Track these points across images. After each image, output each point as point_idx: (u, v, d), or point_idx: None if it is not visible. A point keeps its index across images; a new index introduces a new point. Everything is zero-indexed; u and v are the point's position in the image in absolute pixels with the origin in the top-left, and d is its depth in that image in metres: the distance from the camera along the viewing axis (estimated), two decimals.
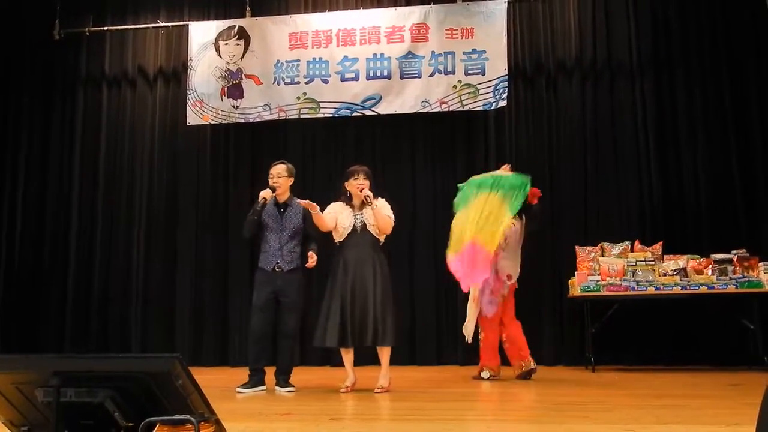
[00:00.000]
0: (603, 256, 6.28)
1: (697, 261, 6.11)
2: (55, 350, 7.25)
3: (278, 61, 7.44)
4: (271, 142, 7.59)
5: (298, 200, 4.93)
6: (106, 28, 7.93)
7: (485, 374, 5.56)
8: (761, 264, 5.92)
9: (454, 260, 5.32)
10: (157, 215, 7.64)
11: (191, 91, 7.52)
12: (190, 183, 7.65)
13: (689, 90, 6.98)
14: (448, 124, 7.31)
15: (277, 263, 5.01)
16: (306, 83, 7.34)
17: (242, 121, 7.46)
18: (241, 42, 7.53)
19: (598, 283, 6.02)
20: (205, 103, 7.49)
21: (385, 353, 4.79)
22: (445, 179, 7.26)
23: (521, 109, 7.28)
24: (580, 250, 6.39)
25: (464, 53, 7.12)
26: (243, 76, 7.48)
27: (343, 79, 7.29)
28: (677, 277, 5.96)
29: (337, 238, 4.92)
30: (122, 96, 7.93)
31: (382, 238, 4.94)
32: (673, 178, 6.89)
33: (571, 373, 6.01)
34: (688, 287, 5.91)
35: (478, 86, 7.03)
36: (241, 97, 7.46)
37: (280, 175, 5.12)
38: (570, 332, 6.75)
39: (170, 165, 7.73)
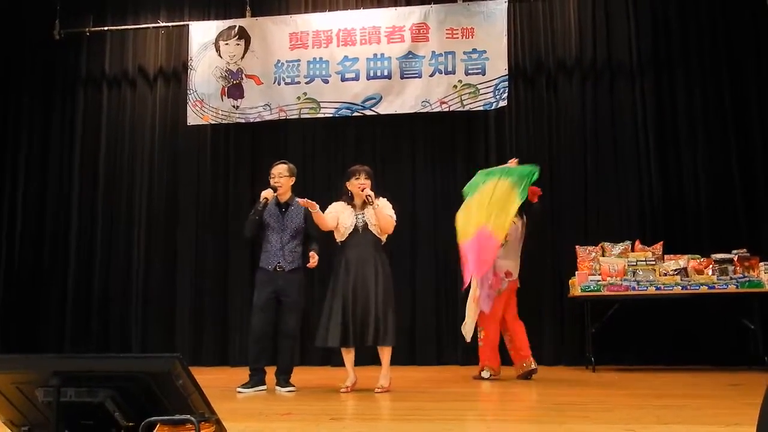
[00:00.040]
0: (603, 255, 6.28)
1: (698, 261, 6.11)
2: (56, 350, 7.25)
3: (278, 61, 7.44)
4: (271, 142, 7.59)
5: (298, 199, 4.93)
6: (106, 28, 7.94)
7: (485, 374, 5.56)
8: (762, 264, 5.92)
9: (466, 247, 5.28)
10: (158, 215, 7.64)
11: (191, 91, 7.52)
12: (190, 183, 7.65)
13: (689, 90, 6.98)
14: (448, 124, 7.31)
15: (279, 263, 5.01)
16: (306, 83, 7.34)
17: (242, 121, 7.46)
18: (242, 42, 7.53)
19: (599, 282, 6.02)
20: (205, 103, 7.49)
21: (385, 353, 4.79)
22: (445, 179, 7.27)
23: (521, 109, 7.28)
24: (580, 250, 6.38)
25: (464, 53, 7.12)
26: (243, 76, 7.49)
27: (343, 79, 7.29)
28: (678, 277, 5.96)
29: (339, 237, 4.92)
30: (122, 96, 7.93)
31: (383, 238, 4.94)
32: (674, 178, 6.89)
33: (571, 373, 6.01)
34: (688, 287, 5.91)
35: (479, 86, 7.03)
36: (242, 97, 7.46)
37: (281, 174, 5.12)
38: (570, 332, 6.75)
39: (170, 165, 7.73)
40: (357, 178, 4.91)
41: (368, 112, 7.22)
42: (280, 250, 5.02)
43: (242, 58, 7.51)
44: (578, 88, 7.17)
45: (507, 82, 6.98)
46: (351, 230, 4.86)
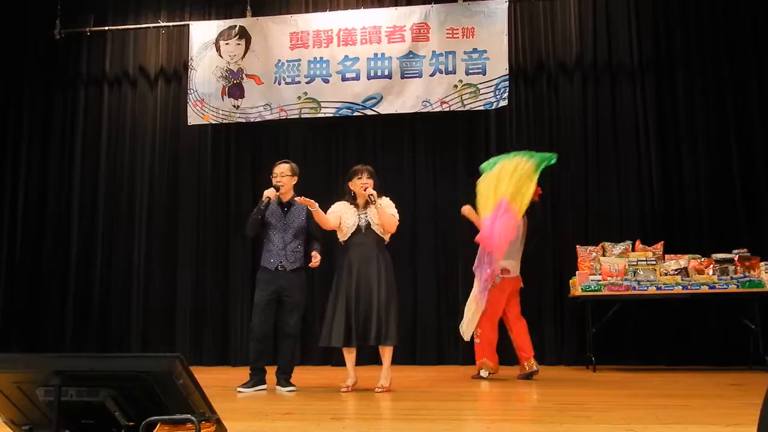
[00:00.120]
0: (604, 255, 6.28)
1: (699, 261, 6.11)
2: (56, 349, 7.24)
3: (279, 60, 7.44)
4: (272, 142, 7.60)
5: (297, 198, 4.93)
6: (107, 28, 7.94)
7: (484, 373, 5.57)
8: (762, 264, 5.92)
9: (486, 221, 5.30)
10: (158, 215, 7.64)
11: (192, 91, 7.52)
12: (191, 183, 7.65)
13: (690, 90, 6.98)
14: (449, 123, 7.31)
15: (281, 262, 5.01)
16: (307, 83, 7.34)
17: (243, 120, 7.46)
18: (242, 42, 7.53)
19: (599, 282, 6.02)
20: (205, 103, 7.49)
21: (387, 353, 4.79)
22: (446, 179, 7.27)
23: (522, 109, 7.28)
24: (581, 250, 6.38)
25: (465, 53, 7.12)
26: (244, 75, 7.49)
27: (343, 79, 7.28)
28: (678, 277, 5.96)
29: (342, 237, 4.92)
30: (123, 96, 7.94)
31: (387, 237, 4.94)
32: (674, 178, 6.89)
33: (572, 373, 6.01)
34: (689, 287, 5.91)
35: (479, 86, 7.03)
36: (242, 96, 7.46)
37: (283, 174, 5.12)
38: (571, 332, 6.75)
39: (171, 165, 7.73)
40: (359, 178, 4.91)
41: (369, 112, 7.22)
42: (282, 250, 5.02)
43: (243, 57, 7.51)
44: (579, 88, 7.17)
45: (507, 82, 6.98)
46: (353, 230, 4.86)
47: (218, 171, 7.66)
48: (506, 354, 6.21)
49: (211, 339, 7.33)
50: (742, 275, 5.88)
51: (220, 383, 5.26)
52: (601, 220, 6.90)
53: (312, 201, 4.80)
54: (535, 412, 4.00)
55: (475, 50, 7.10)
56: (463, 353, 6.67)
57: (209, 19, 7.80)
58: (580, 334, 6.55)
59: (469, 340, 5.72)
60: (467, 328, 5.63)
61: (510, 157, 5.51)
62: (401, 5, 7.46)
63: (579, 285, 6.09)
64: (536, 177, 5.38)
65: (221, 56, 7.54)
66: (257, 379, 4.92)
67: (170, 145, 7.76)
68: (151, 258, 7.57)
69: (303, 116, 7.36)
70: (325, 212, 4.91)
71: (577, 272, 6.24)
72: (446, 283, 7.10)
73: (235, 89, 7.48)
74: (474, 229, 5.74)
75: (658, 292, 5.94)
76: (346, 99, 7.24)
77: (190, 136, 7.71)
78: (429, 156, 7.38)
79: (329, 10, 7.59)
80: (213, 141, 7.72)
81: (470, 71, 7.07)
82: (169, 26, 7.87)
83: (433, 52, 7.17)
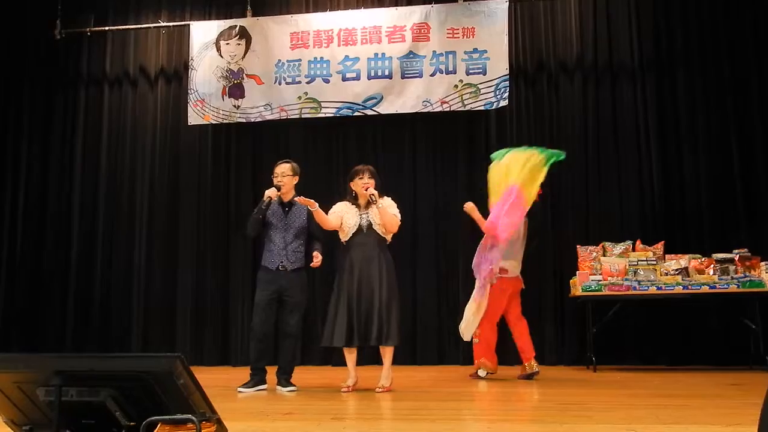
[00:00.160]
0: (604, 255, 6.27)
1: (699, 260, 6.11)
2: (57, 349, 7.25)
3: (279, 60, 7.44)
4: (272, 142, 7.60)
5: (297, 198, 4.93)
6: (107, 28, 7.94)
7: (482, 372, 5.58)
8: (763, 263, 5.92)
9: (496, 207, 5.39)
10: (159, 215, 7.65)
11: (192, 91, 7.53)
12: (191, 183, 7.65)
13: (690, 90, 6.97)
14: (449, 123, 7.31)
15: (281, 262, 5.01)
16: (307, 83, 7.34)
17: (243, 120, 7.46)
18: (242, 42, 7.53)
19: (600, 282, 6.02)
20: (206, 103, 7.49)
21: (387, 353, 4.80)
22: (446, 179, 7.28)
23: (522, 109, 7.28)
24: (581, 250, 6.38)
25: (465, 53, 7.12)
26: (244, 75, 7.49)
27: (344, 79, 7.28)
28: (679, 277, 5.96)
29: (343, 237, 4.92)
30: (123, 96, 7.94)
31: (388, 238, 4.94)
32: (675, 178, 6.88)
33: (572, 373, 6.01)
34: (689, 287, 5.91)
35: (480, 86, 7.03)
36: (243, 96, 7.46)
37: (284, 174, 5.12)
38: (571, 332, 6.75)
39: (171, 165, 7.73)
40: (361, 178, 4.91)
41: (369, 112, 7.22)
42: (283, 250, 5.02)
43: (243, 57, 7.51)
44: (579, 88, 7.16)
45: (508, 82, 6.98)
46: (355, 230, 4.86)
47: (219, 171, 7.66)
48: (506, 354, 6.21)
49: (212, 339, 7.33)
50: (742, 275, 5.88)
51: (220, 383, 5.27)
52: (601, 220, 6.90)
53: (312, 201, 4.80)
54: (535, 412, 4.00)
55: (475, 50, 7.10)
56: (463, 353, 6.67)
57: (209, 19, 7.80)
58: (580, 334, 6.55)
59: (468, 340, 5.72)
60: (467, 328, 5.63)
61: (520, 150, 5.60)
62: (401, 5, 7.46)
63: (579, 285, 6.09)
64: (545, 170, 5.45)
65: (222, 56, 7.55)
66: (258, 379, 4.92)
67: (171, 145, 7.76)
68: (151, 258, 7.58)
69: (303, 116, 7.36)
70: (326, 212, 4.91)
71: (577, 272, 6.24)
72: (447, 283, 7.10)
73: (235, 89, 7.48)
74: (475, 228, 5.75)
75: (659, 292, 5.94)
76: (347, 99, 7.24)
77: (191, 136, 7.71)
78: (429, 156, 7.38)
79: (329, 10, 7.59)
80: (213, 141, 7.72)
81: (471, 71, 7.07)
82: (169, 26, 7.87)
83: (434, 52, 7.17)
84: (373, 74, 7.24)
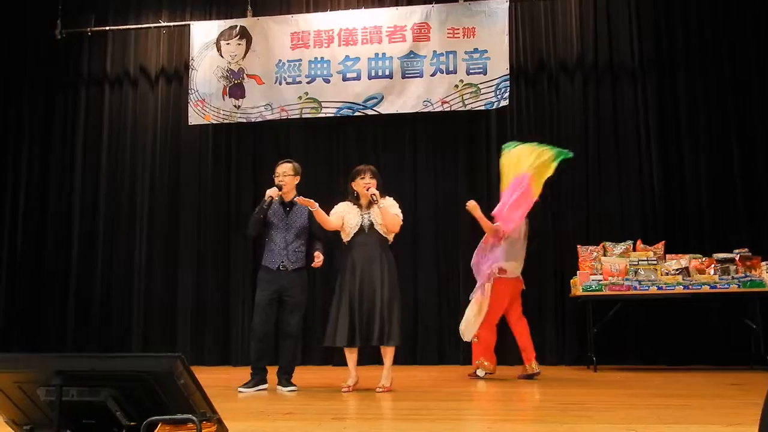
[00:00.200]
0: (605, 255, 6.27)
1: (700, 260, 6.10)
2: (58, 349, 7.25)
3: (280, 60, 7.44)
4: (272, 142, 7.60)
5: (297, 198, 4.93)
6: (107, 28, 7.94)
7: (480, 372, 5.58)
8: (764, 263, 5.92)
9: (504, 194, 5.52)
10: (159, 215, 7.65)
11: (193, 91, 7.53)
12: (192, 183, 7.66)
13: (691, 90, 6.97)
14: (449, 123, 7.31)
15: (282, 262, 5.01)
16: (308, 83, 7.34)
17: (244, 120, 7.47)
18: (243, 42, 7.53)
19: (600, 282, 6.02)
20: (206, 103, 7.49)
21: (388, 353, 4.80)
22: (447, 179, 7.28)
23: (523, 109, 7.28)
24: (582, 250, 6.38)
25: (466, 53, 7.12)
26: (245, 75, 7.49)
27: (344, 79, 7.29)
28: (679, 277, 5.96)
29: (345, 237, 4.92)
30: (124, 96, 7.94)
31: (390, 237, 4.94)
32: (675, 178, 6.88)
33: (573, 373, 6.01)
34: (690, 287, 5.91)
35: (480, 86, 7.03)
36: (243, 96, 7.46)
37: (286, 173, 5.12)
38: (572, 332, 6.75)
39: (172, 165, 7.73)
40: (362, 178, 4.91)
41: (370, 112, 7.22)
42: (284, 250, 5.02)
43: (243, 57, 7.51)
44: (580, 88, 7.16)
45: (508, 82, 6.98)
46: (356, 230, 4.86)
47: (219, 171, 7.67)
48: (506, 354, 6.22)
49: (212, 339, 7.34)
50: (743, 275, 5.88)
51: (221, 383, 5.27)
52: (602, 219, 6.90)
53: (312, 201, 4.80)
54: (536, 412, 4.00)
55: (476, 50, 7.10)
56: (464, 353, 6.66)
57: (210, 19, 7.80)
58: (581, 334, 6.55)
59: (469, 340, 5.72)
60: (467, 329, 5.64)
61: (531, 144, 5.69)
62: (402, 5, 7.46)
63: (580, 285, 6.09)
64: (553, 167, 5.52)
65: (222, 56, 7.55)
66: (258, 378, 4.92)
67: (171, 145, 7.76)
68: (152, 258, 7.58)
69: (304, 116, 7.36)
70: (327, 212, 4.92)
71: (578, 272, 6.24)
72: (447, 283, 7.10)
73: (236, 89, 7.48)
74: (476, 228, 5.75)
75: (659, 291, 5.94)
76: (347, 99, 7.24)
77: (191, 136, 7.71)
78: (430, 156, 7.38)
79: (330, 10, 7.59)
80: (214, 141, 7.73)
81: (471, 71, 7.07)
82: (170, 26, 7.87)
83: (434, 51, 7.17)
84: (373, 74, 7.24)
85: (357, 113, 7.25)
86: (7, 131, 7.95)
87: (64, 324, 7.52)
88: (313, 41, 7.41)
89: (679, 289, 5.92)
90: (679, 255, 6.21)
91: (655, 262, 6.07)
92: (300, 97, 7.33)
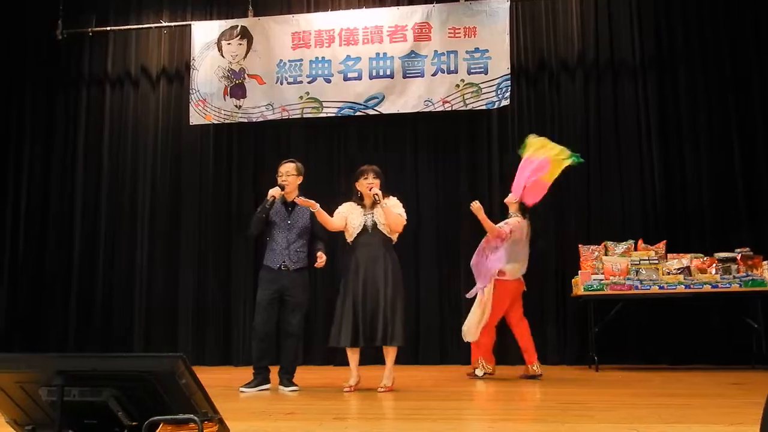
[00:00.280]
0: (606, 255, 6.27)
1: (701, 260, 6.10)
2: (59, 350, 7.26)
3: (281, 60, 7.44)
4: (274, 142, 7.60)
5: (297, 199, 4.92)
6: (109, 28, 7.94)
7: (479, 372, 5.59)
8: (765, 263, 5.92)
9: (523, 163, 5.61)
10: (161, 215, 7.65)
11: (194, 91, 7.53)
12: (193, 183, 7.66)
13: (692, 89, 6.97)
14: (451, 123, 7.31)
15: (284, 262, 5.01)
16: (309, 83, 7.34)
17: (245, 120, 7.47)
18: (244, 42, 7.54)
19: (602, 282, 6.01)
20: (208, 103, 7.49)
21: (391, 353, 4.80)
22: (448, 179, 7.28)
23: (524, 108, 7.28)
24: (583, 249, 6.37)
25: (467, 52, 7.11)
26: (246, 75, 7.49)
27: (345, 79, 7.29)
28: (681, 276, 5.96)
29: (348, 237, 4.93)
30: (125, 96, 7.94)
31: (394, 237, 4.94)
32: (677, 177, 6.88)
33: (574, 373, 6.00)
34: (691, 286, 5.91)
35: (481, 85, 7.02)
36: (244, 96, 7.46)
37: (289, 173, 5.12)
38: (573, 331, 6.74)
39: (173, 165, 7.74)
40: (365, 178, 4.92)
41: (371, 112, 7.22)
42: (286, 249, 5.02)
43: (244, 57, 7.51)
44: (581, 87, 7.16)
45: (509, 81, 6.98)
46: (360, 230, 4.86)
47: (220, 171, 7.67)
48: (506, 354, 6.23)
49: (214, 339, 7.34)
50: (744, 274, 5.87)
51: (222, 383, 5.27)
52: (603, 219, 6.90)
53: (313, 202, 4.81)
54: (537, 411, 4.00)
55: (477, 49, 7.10)
56: (465, 353, 6.65)
57: (211, 19, 7.81)
58: (582, 334, 6.55)
59: (471, 341, 5.71)
60: (469, 331, 5.64)
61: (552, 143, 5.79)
62: (403, 5, 7.46)
63: (581, 284, 6.08)
64: (566, 164, 5.57)
65: (223, 56, 7.55)
66: (261, 378, 4.92)
67: (172, 145, 7.77)
68: (153, 258, 7.58)
69: (305, 116, 7.36)
70: (329, 213, 4.92)
71: (579, 272, 6.23)
72: (448, 283, 7.10)
73: (237, 89, 7.48)
74: (477, 228, 5.74)
75: (661, 291, 5.93)
76: (348, 99, 7.25)
77: (192, 136, 7.72)
78: (431, 156, 7.38)
79: (331, 10, 7.59)
80: (215, 141, 7.73)
81: (472, 70, 7.07)
82: (171, 26, 7.88)
83: (435, 51, 7.17)
84: (374, 74, 7.24)
85: (358, 113, 7.26)
86: (9, 131, 7.96)
87: (66, 324, 7.53)
88: (314, 41, 7.41)
89: (681, 289, 5.91)
90: (681, 254, 6.20)
91: (657, 262, 6.07)
92: (301, 97, 7.33)
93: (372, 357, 5.96)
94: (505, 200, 5.88)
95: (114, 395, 2.02)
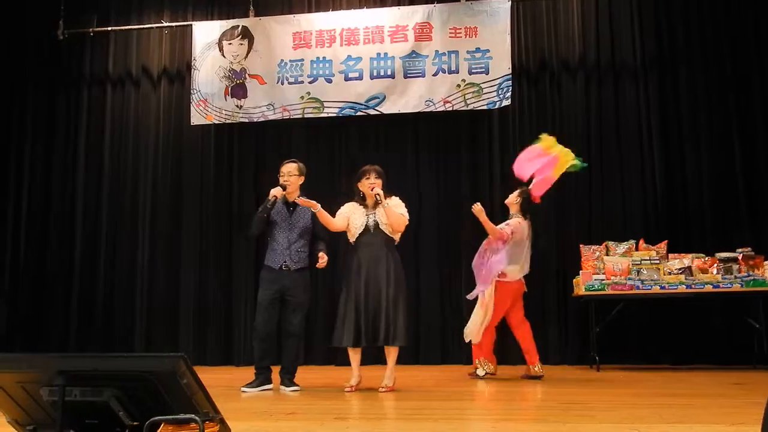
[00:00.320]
0: (608, 255, 6.27)
1: (702, 260, 6.09)
2: (60, 349, 7.26)
3: (282, 60, 7.44)
4: (275, 142, 7.60)
5: (298, 199, 4.92)
6: (110, 28, 7.95)
7: (480, 372, 5.58)
8: (766, 263, 5.91)
9: (534, 152, 5.64)
10: (162, 215, 7.65)
11: (195, 91, 7.53)
12: (194, 183, 7.66)
13: (693, 89, 6.96)
14: (452, 123, 7.30)
15: (285, 262, 5.01)
16: (310, 83, 7.34)
17: (246, 120, 7.47)
18: (245, 42, 7.54)
19: (603, 282, 6.01)
20: (208, 103, 7.50)
21: (392, 353, 4.80)
22: (449, 179, 7.27)
23: (525, 108, 7.27)
24: (584, 249, 6.37)
25: (468, 52, 7.11)
26: (247, 75, 7.49)
27: (346, 79, 7.29)
28: (682, 276, 5.95)
29: (351, 238, 4.93)
30: (126, 96, 7.95)
31: (396, 237, 4.94)
32: (678, 177, 6.87)
33: (575, 373, 6.00)
34: (693, 286, 5.90)
35: (482, 85, 7.02)
36: (245, 96, 7.46)
37: (291, 173, 5.12)
38: (574, 331, 6.74)
39: (174, 165, 7.74)
40: (367, 178, 4.92)
41: (372, 112, 7.22)
42: (287, 249, 5.02)
43: (245, 57, 7.51)
44: (582, 87, 7.16)
45: (510, 81, 6.97)
46: (362, 230, 4.86)
47: (221, 171, 7.67)
48: (507, 354, 6.22)
49: (215, 339, 7.34)
50: (746, 274, 5.87)
51: (223, 383, 5.27)
52: (604, 219, 6.90)
53: (314, 202, 4.81)
54: (538, 411, 4.00)
55: (478, 49, 7.10)
56: (466, 353, 6.65)
57: (212, 19, 7.81)
58: (583, 334, 6.54)
59: (475, 341, 5.71)
60: (471, 333, 5.63)
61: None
62: (404, 5, 7.46)
63: (582, 284, 6.08)
64: (570, 164, 5.62)
65: (224, 56, 7.55)
66: (263, 378, 4.92)
67: (173, 145, 7.77)
68: (154, 258, 7.58)
69: (306, 116, 7.36)
70: (333, 213, 4.92)
71: (580, 272, 6.23)
72: (450, 283, 7.10)
73: (238, 89, 7.49)
74: (478, 228, 5.74)
75: (662, 291, 5.93)
76: (349, 99, 7.24)
77: (193, 136, 7.72)
78: (432, 156, 7.38)
79: (332, 10, 7.59)
80: (216, 141, 7.73)
81: (473, 71, 7.07)
82: (172, 26, 7.88)
83: (436, 51, 7.17)
84: (375, 74, 7.24)
85: (359, 113, 7.25)
86: (10, 132, 7.96)
87: (67, 324, 7.53)
88: (315, 41, 7.41)
89: (682, 289, 5.91)
90: (682, 254, 6.19)
91: (658, 262, 6.07)
92: (302, 97, 7.33)
93: (373, 357, 5.96)
94: (506, 201, 5.88)
95: (115, 395, 2.02)
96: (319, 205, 4.82)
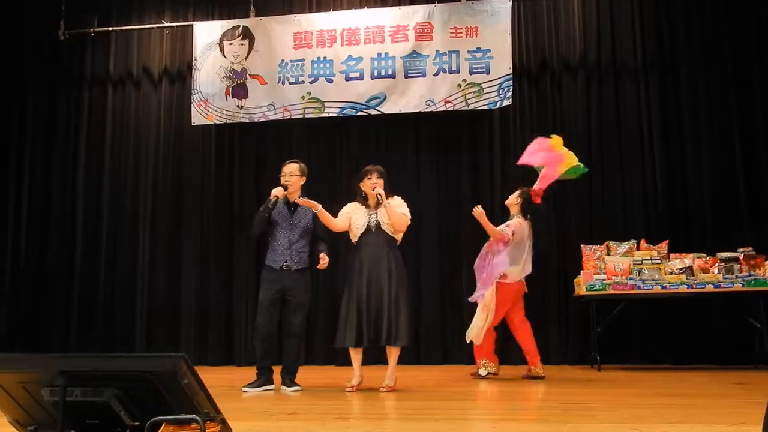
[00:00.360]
0: (609, 254, 6.27)
1: (704, 259, 6.09)
2: (61, 350, 7.26)
3: (282, 60, 7.44)
4: (275, 142, 7.60)
5: (299, 199, 4.92)
6: (110, 28, 7.95)
7: (483, 372, 5.58)
8: None
9: (542, 142, 5.79)
10: (162, 215, 7.65)
11: (196, 91, 7.54)
12: (194, 183, 7.66)
13: (694, 89, 6.96)
14: (452, 123, 7.30)
15: (285, 262, 5.01)
16: (310, 83, 7.34)
17: (247, 120, 7.47)
18: (246, 42, 7.54)
19: (604, 282, 6.01)
20: (209, 103, 7.50)
21: (393, 353, 4.79)
22: (450, 178, 7.27)
23: (526, 108, 7.27)
24: (585, 249, 6.37)
25: (469, 52, 7.11)
26: (247, 75, 7.49)
27: (347, 79, 7.28)
28: (683, 276, 5.95)
29: (353, 238, 4.93)
30: (127, 96, 7.95)
31: (398, 237, 4.94)
32: (679, 177, 6.87)
33: (576, 372, 6.00)
34: (694, 286, 5.90)
35: (483, 85, 7.02)
36: (246, 96, 7.46)
37: (292, 173, 5.12)
38: (575, 331, 6.74)
39: (175, 165, 7.74)
40: (369, 178, 4.92)
41: (372, 112, 7.22)
42: (288, 249, 5.02)
43: (246, 57, 7.51)
44: (583, 87, 7.15)
45: (511, 81, 6.97)
46: (363, 230, 4.86)
47: (222, 171, 7.67)
48: (508, 354, 6.22)
49: (216, 339, 7.34)
50: (747, 274, 5.87)
51: (224, 383, 5.27)
52: (605, 219, 6.89)
53: (314, 203, 4.81)
54: (539, 411, 4.00)
55: (478, 49, 7.10)
56: (467, 353, 6.65)
57: (213, 19, 7.81)
58: (584, 334, 6.54)
59: (477, 342, 5.70)
60: (472, 334, 5.63)
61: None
62: (405, 5, 7.45)
63: (584, 284, 6.08)
64: (571, 168, 5.69)
65: (225, 56, 7.55)
66: (264, 378, 4.92)
67: (174, 145, 7.77)
68: (155, 258, 7.58)
69: (307, 116, 7.36)
70: (334, 213, 4.92)
71: (581, 271, 6.23)
72: (450, 283, 7.10)
73: (238, 89, 7.49)
74: (478, 228, 5.74)
75: (663, 291, 5.93)
76: (350, 99, 7.24)
77: (194, 136, 7.72)
78: (433, 155, 7.38)
79: (333, 10, 7.59)
80: (217, 141, 7.73)
81: (474, 70, 7.06)
82: (172, 27, 7.88)
83: (437, 51, 7.16)
84: (376, 74, 7.24)
85: (360, 113, 7.25)
86: (11, 132, 7.96)
87: (68, 324, 7.53)
88: (316, 41, 7.41)
89: (683, 289, 5.91)
90: (683, 254, 6.19)
91: (659, 262, 6.06)
92: (303, 97, 7.33)
93: (374, 357, 5.95)
94: (506, 202, 5.88)
95: (116, 395, 2.02)
96: (320, 206, 4.82)
